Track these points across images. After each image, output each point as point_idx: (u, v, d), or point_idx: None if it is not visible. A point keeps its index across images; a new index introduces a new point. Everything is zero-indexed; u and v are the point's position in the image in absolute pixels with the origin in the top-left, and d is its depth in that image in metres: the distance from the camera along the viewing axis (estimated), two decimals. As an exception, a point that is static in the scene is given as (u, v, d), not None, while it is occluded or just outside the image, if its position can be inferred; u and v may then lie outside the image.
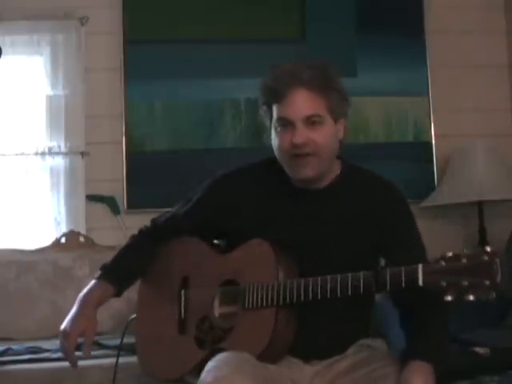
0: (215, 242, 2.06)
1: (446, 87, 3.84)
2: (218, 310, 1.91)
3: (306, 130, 1.79)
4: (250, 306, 1.81)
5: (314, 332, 1.82)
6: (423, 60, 3.83)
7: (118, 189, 3.60)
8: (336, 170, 1.93)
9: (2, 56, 2.74)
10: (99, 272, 2.00)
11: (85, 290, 1.96)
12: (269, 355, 1.77)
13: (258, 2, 3.79)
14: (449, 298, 1.53)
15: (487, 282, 1.49)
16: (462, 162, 3.62)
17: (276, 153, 1.87)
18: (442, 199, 3.60)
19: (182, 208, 2.05)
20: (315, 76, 1.79)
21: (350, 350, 1.88)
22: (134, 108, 3.65)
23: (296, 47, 3.74)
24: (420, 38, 3.83)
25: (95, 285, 1.97)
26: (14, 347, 2.77)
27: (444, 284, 1.53)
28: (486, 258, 1.50)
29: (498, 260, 1.49)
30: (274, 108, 1.83)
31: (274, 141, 1.86)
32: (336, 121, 1.84)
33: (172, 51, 3.69)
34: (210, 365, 1.73)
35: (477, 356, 2.51)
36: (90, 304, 1.93)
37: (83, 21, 3.62)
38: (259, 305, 1.79)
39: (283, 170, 1.90)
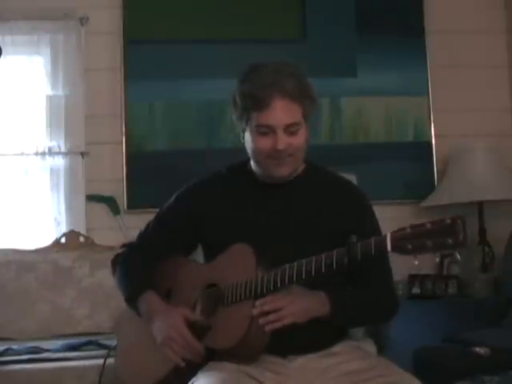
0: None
1: (446, 87, 3.84)
2: (198, 312, 1.92)
3: (285, 136, 1.89)
4: (229, 302, 1.85)
5: (290, 327, 1.82)
6: (423, 60, 3.83)
7: (118, 189, 3.60)
8: (301, 166, 2.03)
9: (2, 56, 2.74)
10: (133, 294, 1.97)
11: (145, 308, 1.93)
12: (247, 347, 1.78)
13: (258, 2, 3.80)
14: (416, 262, 1.63)
15: (450, 241, 1.58)
16: (462, 162, 3.62)
17: (252, 153, 1.96)
18: (441, 199, 3.60)
19: (153, 229, 2.09)
20: (296, 86, 1.89)
21: (335, 349, 1.90)
22: (134, 108, 3.65)
23: (296, 47, 3.74)
24: (420, 38, 3.84)
25: (145, 299, 1.94)
26: (14, 347, 2.77)
27: (410, 247, 1.62)
28: (448, 221, 1.60)
29: (460, 222, 1.59)
30: (254, 114, 1.89)
31: (250, 143, 1.93)
32: (306, 123, 1.95)
33: (172, 51, 3.69)
34: None
35: (477, 356, 2.52)
36: (161, 304, 1.93)
37: (83, 21, 3.62)
38: (237, 299, 1.83)
39: (248, 171, 2.02)
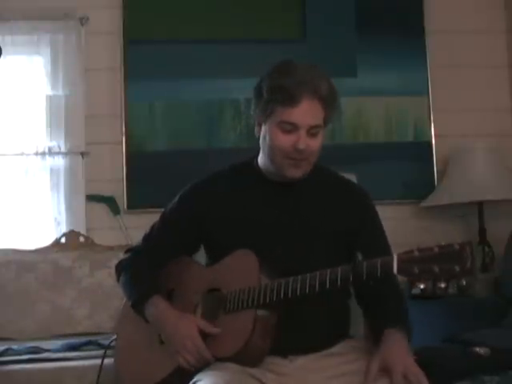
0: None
1: (446, 87, 3.84)
2: (199, 315, 1.92)
3: (307, 137, 1.87)
4: (231, 309, 1.84)
5: (291, 328, 1.83)
6: (423, 60, 3.83)
7: (118, 189, 3.60)
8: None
9: (2, 56, 2.74)
10: (139, 299, 1.95)
11: (153, 313, 1.91)
12: (247, 355, 1.78)
13: (258, 2, 3.80)
14: (421, 285, 1.62)
15: (457, 268, 1.56)
16: (462, 161, 3.62)
17: (268, 149, 1.92)
18: (441, 199, 3.60)
19: (158, 230, 2.07)
20: (327, 90, 1.88)
21: (336, 349, 1.91)
22: (134, 108, 3.65)
23: (296, 47, 3.74)
24: (420, 38, 3.84)
25: (152, 303, 1.92)
26: (14, 347, 2.77)
27: (417, 271, 1.61)
28: (457, 246, 1.57)
29: (469, 249, 1.56)
30: (280, 109, 1.86)
31: (269, 138, 1.90)
32: (324, 128, 1.94)
33: (172, 51, 3.69)
34: None
35: (477, 356, 2.51)
36: (171, 310, 1.91)
37: (83, 21, 3.62)
38: (239, 307, 1.82)
39: (254, 169, 2.00)
